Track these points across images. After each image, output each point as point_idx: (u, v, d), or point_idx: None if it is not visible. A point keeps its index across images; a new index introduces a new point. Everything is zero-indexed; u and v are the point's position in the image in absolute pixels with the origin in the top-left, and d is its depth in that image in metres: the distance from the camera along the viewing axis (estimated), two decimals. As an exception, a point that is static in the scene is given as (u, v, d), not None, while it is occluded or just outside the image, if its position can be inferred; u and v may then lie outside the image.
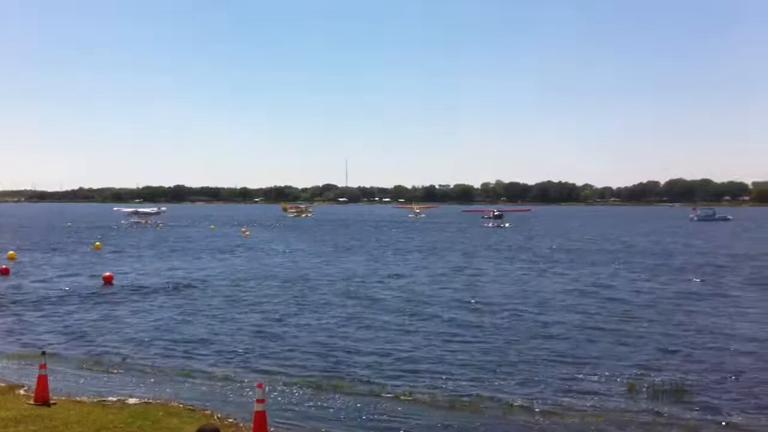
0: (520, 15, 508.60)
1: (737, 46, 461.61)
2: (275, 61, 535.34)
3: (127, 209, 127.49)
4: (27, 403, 13.62)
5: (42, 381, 13.83)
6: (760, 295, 31.34)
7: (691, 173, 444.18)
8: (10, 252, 49.70)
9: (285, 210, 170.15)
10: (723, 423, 13.53)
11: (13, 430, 11.82)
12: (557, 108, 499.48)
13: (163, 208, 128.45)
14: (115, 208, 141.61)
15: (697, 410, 14.31)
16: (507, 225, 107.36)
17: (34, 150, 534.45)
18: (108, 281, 34.24)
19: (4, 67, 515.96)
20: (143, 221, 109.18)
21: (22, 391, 14.77)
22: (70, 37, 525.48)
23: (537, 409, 14.30)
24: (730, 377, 16.88)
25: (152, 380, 16.53)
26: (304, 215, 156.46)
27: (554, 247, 63.91)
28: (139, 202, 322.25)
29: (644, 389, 15.72)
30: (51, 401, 13.72)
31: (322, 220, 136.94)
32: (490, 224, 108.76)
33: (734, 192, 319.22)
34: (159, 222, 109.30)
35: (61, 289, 32.02)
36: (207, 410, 13.67)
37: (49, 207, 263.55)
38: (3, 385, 15.45)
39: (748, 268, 43.30)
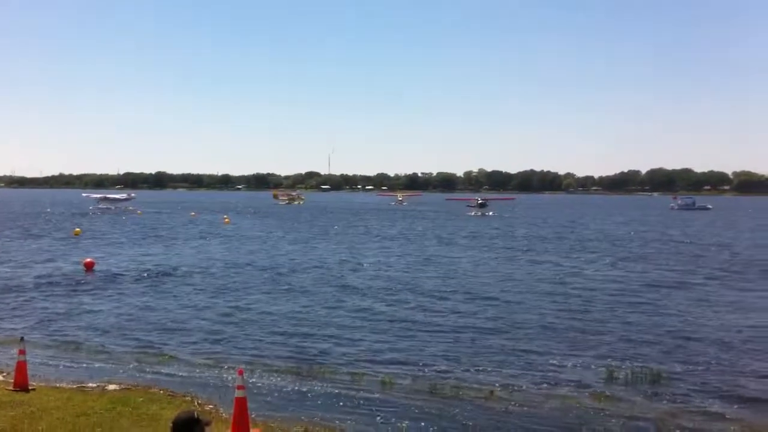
0: (502, 4, 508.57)
1: (718, 35, 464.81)
2: (258, 49, 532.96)
3: (96, 195, 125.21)
4: (6, 389, 13.56)
5: (21, 367, 13.76)
6: (735, 283, 31.70)
7: (671, 163, 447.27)
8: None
9: (276, 197, 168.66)
10: (700, 410, 13.69)
11: (-9, 415, 11.75)
12: (539, 97, 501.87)
13: (133, 194, 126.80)
14: (83, 194, 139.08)
15: (674, 397, 14.47)
16: (491, 213, 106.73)
17: (14, 136, 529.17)
18: (89, 268, 34.01)
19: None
20: (113, 207, 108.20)
21: (0, 377, 14.70)
22: (53, 25, 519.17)
23: (517, 396, 14.41)
24: (706, 365, 17.06)
25: (132, 366, 16.47)
26: (296, 202, 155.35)
27: (537, 236, 64.20)
28: (120, 188, 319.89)
29: (622, 377, 15.87)
30: (30, 387, 13.67)
31: (310, 208, 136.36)
32: (474, 212, 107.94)
33: (715, 182, 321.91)
34: (133, 208, 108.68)
35: (41, 275, 31.74)
36: (187, 396, 13.68)
37: (26, 192, 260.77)
38: (-19, 371, 15.36)
39: (724, 257, 43.75)
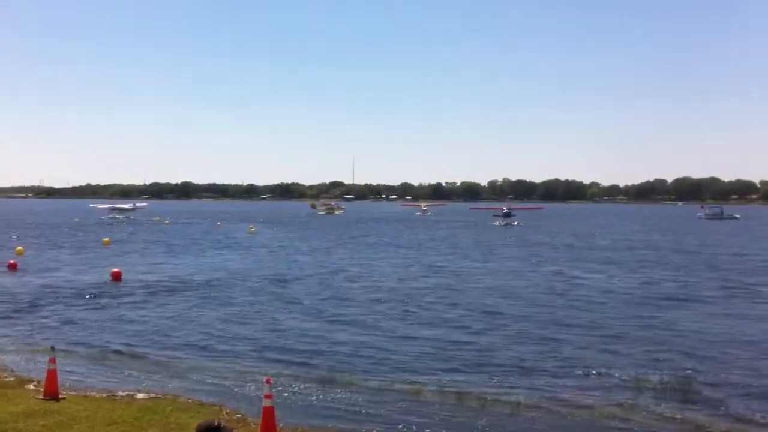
0: (525, 11, 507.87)
1: (747, 44, 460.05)
2: (282, 59, 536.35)
3: (104, 205, 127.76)
4: (36, 398, 13.70)
5: (51, 376, 13.91)
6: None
7: (698, 172, 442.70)
8: (18, 247, 49.83)
9: (314, 207, 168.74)
10: (731, 419, 13.51)
11: (22, 424, 11.88)
12: (564, 106, 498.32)
13: (140, 204, 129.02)
14: (91, 204, 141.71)
15: (704, 406, 14.30)
16: (516, 224, 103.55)
17: (42, 146, 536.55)
18: (116, 277, 34.35)
19: (15, 63, 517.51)
20: (122, 217, 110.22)
21: (31, 386, 14.86)
22: (80, 34, 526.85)
23: (544, 407, 14.30)
24: (736, 374, 16.86)
25: (161, 375, 16.60)
26: (336, 212, 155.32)
27: (564, 244, 63.81)
28: (147, 199, 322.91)
29: (650, 386, 15.72)
30: (60, 396, 13.80)
31: (348, 218, 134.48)
32: (498, 222, 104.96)
33: (742, 191, 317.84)
34: (135, 218, 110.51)
35: (70, 285, 32.14)
36: (215, 405, 13.74)
37: (51, 203, 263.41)
38: (13, 379, 15.57)
39: (755, 268, 43.21)
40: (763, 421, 13.45)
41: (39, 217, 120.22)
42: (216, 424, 5.92)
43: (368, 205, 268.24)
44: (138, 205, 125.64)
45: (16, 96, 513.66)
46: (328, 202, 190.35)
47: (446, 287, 32.85)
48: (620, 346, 19.95)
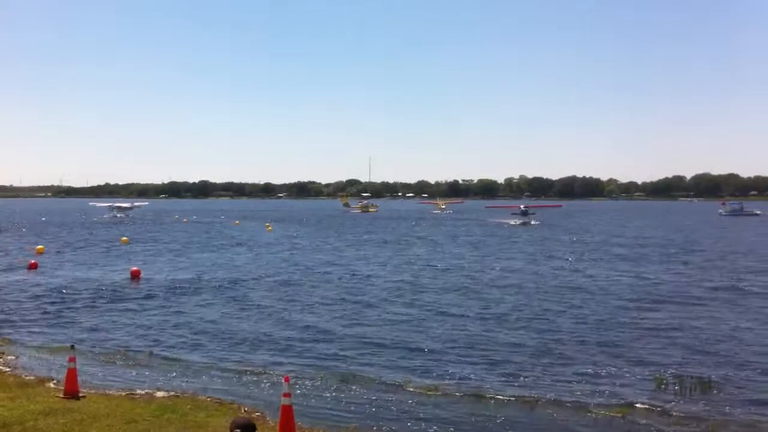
0: (540, 8, 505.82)
1: (764, 36, 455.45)
2: (297, 55, 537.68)
3: (104, 204, 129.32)
4: (56, 396, 13.80)
5: (71, 374, 13.99)
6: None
7: (717, 168, 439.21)
8: (39, 246, 50.18)
9: (347, 205, 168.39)
10: (752, 418, 13.39)
11: (42, 422, 11.97)
12: (581, 102, 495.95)
13: (138, 203, 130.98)
14: (90, 203, 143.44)
15: (725, 406, 14.19)
16: (534, 222, 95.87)
17: (62, 146, 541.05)
18: (136, 276, 34.55)
19: (34, 62, 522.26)
20: (122, 215, 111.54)
21: (51, 384, 14.98)
22: (94, 33, 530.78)
23: (563, 406, 14.23)
24: (757, 373, 16.70)
25: (179, 374, 16.67)
26: (372, 209, 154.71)
27: (591, 242, 63.41)
28: (165, 198, 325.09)
29: (671, 385, 15.61)
30: (80, 394, 13.90)
31: (383, 216, 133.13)
32: (515, 221, 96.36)
33: (761, 187, 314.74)
34: (127, 216, 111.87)
35: (89, 284, 32.32)
36: (234, 404, 13.78)
37: (61, 202, 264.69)
38: (33, 378, 15.67)
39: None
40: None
41: (54, 217, 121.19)
42: (251, 422, 6.06)
43: (386, 203, 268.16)
44: (136, 204, 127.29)
45: (37, 96, 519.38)
46: (362, 200, 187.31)
47: (467, 287, 32.80)
48: (642, 345, 19.84)
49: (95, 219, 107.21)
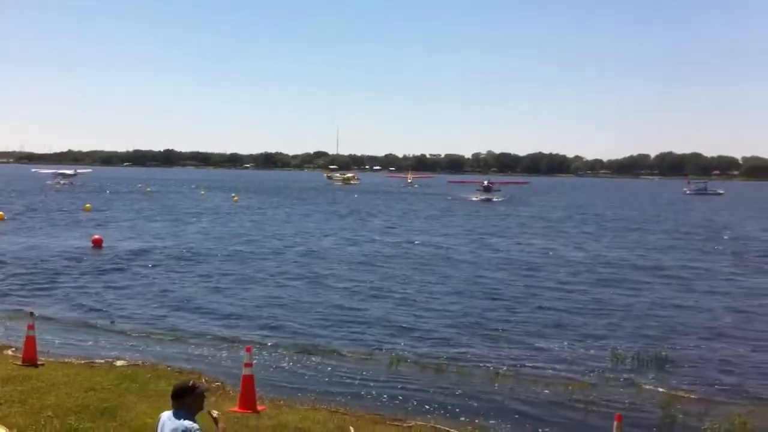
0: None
1: (729, 22, 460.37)
2: (265, 26, 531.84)
3: (47, 171, 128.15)
4: (14, 364, 13.63)
5: (30, 342, 13.83)
6: (749, 270, 31.68)
7: (681, 147, 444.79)
8: (-1, 213, 49.21)
9: (330, 178, 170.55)
10: (704, 394, 13.71)
11: (0, 390, 11.83)
12: (550, 80, 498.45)
13: (81, 170, 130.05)
14: (32, 170, 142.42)
15: (680, 380, 14.50)
16: (497, 199, 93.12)
17: (24, 111, 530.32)
18: (97, 244, 34.11)
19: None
20: (66, 182, 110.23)
21: (9, 352, 14.79)
22: (64, 7, 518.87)
23: (523, 378, 14.44)
24: (712, 348, 17.11)
25: (141, 343, 16.57)
26: (354, 182, 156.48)
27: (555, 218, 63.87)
28: (129, 165, 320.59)
29: (628, 359, 15.90)
30: (39, 362, 13.73)
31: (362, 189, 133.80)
32: (475, 197, 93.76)
33: (724, 166, 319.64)
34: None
35: (50, 251, 31.86)
36: (195, 373, 13.72)
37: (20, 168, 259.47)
38: (-10, 345, 15.45)
39: (732, 243, 43.68)
40: (732, 390, 13.70)
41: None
42: (190, 384, 6.00)
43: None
44: (79, 171, 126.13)
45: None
46: (344, 173, 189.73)
47: (433, 261, 33.01)
48: (600, 320, 20.19)
49: (48, 183, 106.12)
